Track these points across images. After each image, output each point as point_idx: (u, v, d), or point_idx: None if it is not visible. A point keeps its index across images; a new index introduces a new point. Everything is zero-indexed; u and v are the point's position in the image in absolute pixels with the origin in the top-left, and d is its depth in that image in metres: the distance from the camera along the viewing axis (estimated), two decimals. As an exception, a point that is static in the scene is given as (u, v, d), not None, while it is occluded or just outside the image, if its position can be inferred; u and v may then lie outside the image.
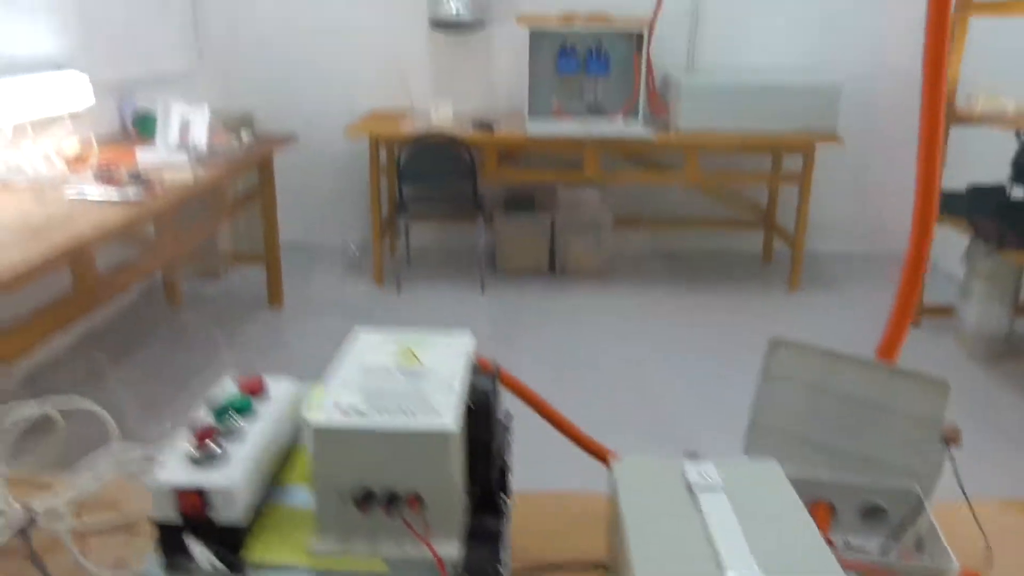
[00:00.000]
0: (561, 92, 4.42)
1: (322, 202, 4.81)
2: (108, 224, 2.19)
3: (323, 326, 3.67)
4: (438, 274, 4.45)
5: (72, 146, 2.93)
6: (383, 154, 4.26)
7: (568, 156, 4.36)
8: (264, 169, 3.65)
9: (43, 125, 2.92)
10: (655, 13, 4.34)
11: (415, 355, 0.70)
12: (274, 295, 3.84)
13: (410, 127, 4.08)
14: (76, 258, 2.06)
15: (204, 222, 3.34)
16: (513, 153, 4.31)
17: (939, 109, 0.96)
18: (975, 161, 3.47)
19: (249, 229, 4.46)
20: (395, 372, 0.67)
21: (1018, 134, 2.93)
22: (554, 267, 4.47)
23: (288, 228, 3.95)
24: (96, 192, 2.48)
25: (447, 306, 4.03)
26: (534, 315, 3.96)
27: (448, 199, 4.16)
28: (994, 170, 3.24)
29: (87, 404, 0.87)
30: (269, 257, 3.81)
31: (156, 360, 3.27)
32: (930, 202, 1.00)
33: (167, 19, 4.13)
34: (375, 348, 0.71)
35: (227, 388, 0.71)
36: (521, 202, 4.57)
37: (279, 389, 0.73)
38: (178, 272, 3.82)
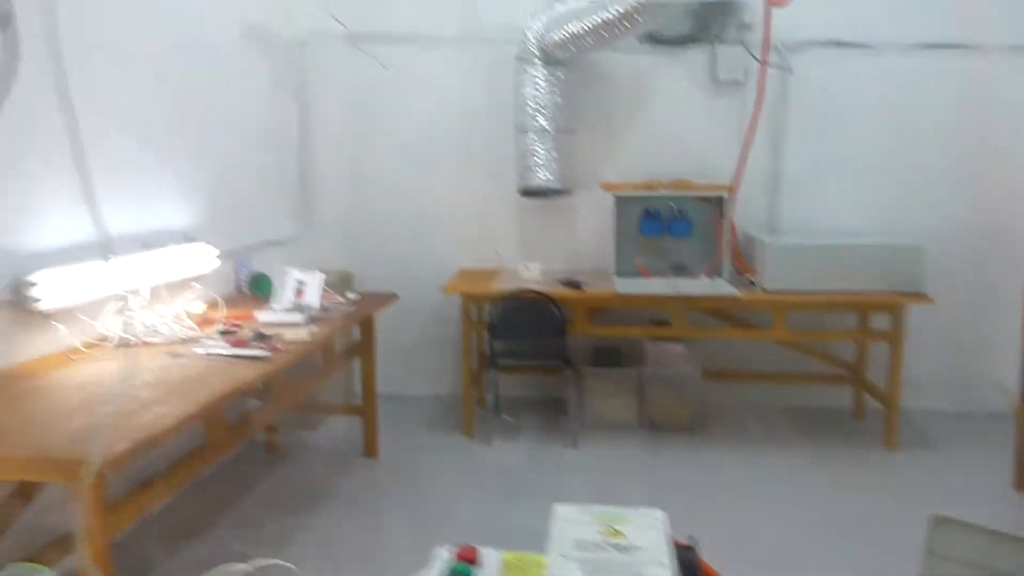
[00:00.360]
0: (645, 252, 4.59)
1: (413, 355, 4.96)
2: (240, 380, 2.34)
3: (420, 480, 3.74)
4: (528, 426, 4.48)
5: (199, 307, 3.17)
6: (473, 310, 4.42)
7: (655, 313, 4.45)
8: (366, 325, 3.83)
9: (174, 288, 3.18)
10: (736, 179, 4.54)
11: (617, 530, 0.75)
12: (370, 447, 3.92)
13: (501, 285, 4.26)
14: (210, 412, 2.19)
15: (315, 375, 3.50)
16: (600, 310, 4.40)
17: None
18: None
19: (344, 381, 4.64)
20: (607, 547, 0.72)
21: None
22: (643, 421, 4.46)
23: (380, 379, 4.07)
24: (225, 350, 2.66)
25: (540, 460, 4.03)
26: (627, 473, 3.91)
27: (537, 354, 4.26)
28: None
29: (286, 565, 0.94)
30: (367, 409, 3.92)
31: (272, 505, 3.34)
32: None
33: (280, 192, 4.51)
34: (578, 523, 0.77)
35: (443, 556, 0.77)
36: (609, 356, 4.64)
37: (489, 557, 0.78)
38: (280, 424, 3.96)
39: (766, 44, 4.32)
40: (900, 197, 4.68)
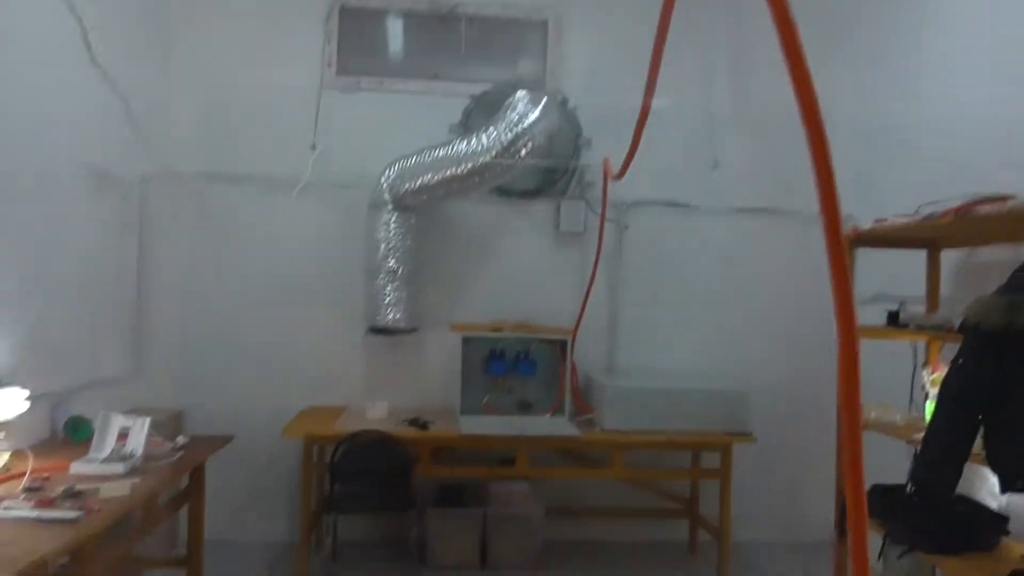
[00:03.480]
0: (491, 391, 4.68)
1: (248, 498, 4.73)
2: (41, 551, 2.13)
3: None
4: (367, 570, 4.32)
5: (2, 460, 2.89)
6: (315, 451, 4.29)
7: (499, 452, 4.47)
8: (196, 472, 3.62)
9: (-26, 437, 2.89)
10: (576, 324, 4.75)
11: None
12: (192, 607, 3.62)
13: (344, 425, 4.18)
14: (1, 590, 1.97)
15: (134, 532, 3.23)
16: (447, 449, 4.40)
17: (857, 431, 1.16)
18: (873, 461, 3.74)
19: (168, 529, 4.30)
20: None
21: (913, 454, 3.23)
22: (486, 560, 4.41)
23: (210, 524, 3.83)
24: (28, 512, 2.43)
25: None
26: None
27: (379, 496, 4.13)
28: (894, 470, 3.49)
29: None
30: (192, 562, 3.64)
31: None
32: (862, 520, 1.15)
33: (107, 329, 4.26)
34: None
35: None
36: (453, 495, 4.59)
37: None
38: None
39: (604, 201, 4.60)
40: (728, 342, 5.05)
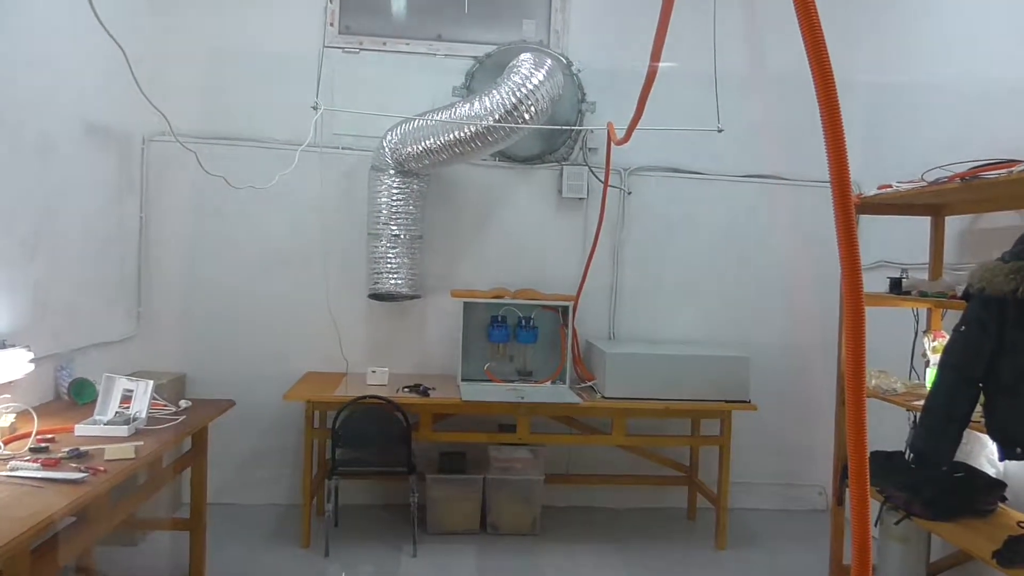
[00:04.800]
0: (492, 358, 4.71)
1: (251, 462, 4.79)
2: (48, 510, 2.16)
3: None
4: (367, 535, 4.37)
5: (7, 420, 2.92)
6: (316, 416, 4.33)
7: (500, 418, 4.53)
8: (199, 435, 3.66)
9: (-21, 397, 2.92)
10: (578, 291, 4.80)
11: None
12: (196, 567, 3.68)
13: (346, 391, 4.22)
14: (10, 552, 2.00)
15: (139, 494, 3.28)
16: (447, 415, 4.44)
17: (861, 397, 1.18)
18: (873, 428, 3.79)
19: (171, 491, 4.37)
20: None
21: (912, 421, 3.26)
22: (485, 526, 4.47)
23: (213, 488, 3.89)
24: (34, 472, 2.46)
25: (378, 571, 3.94)
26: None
27: (381, 461, 4.19)
28: (893, 437, 3.54)
29: None
30: (195, 524, 3.69)
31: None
32: (863, 486, 1.17)
33: (116, 291, 4.30)
34: None
35: None
36: (454, 461, 4.64)
37: None
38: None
39: (608, 166, 4.65)
40: (729, 311, 5.09)
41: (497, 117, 4.20)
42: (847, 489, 1.29)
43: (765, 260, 5.07)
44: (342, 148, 4.78)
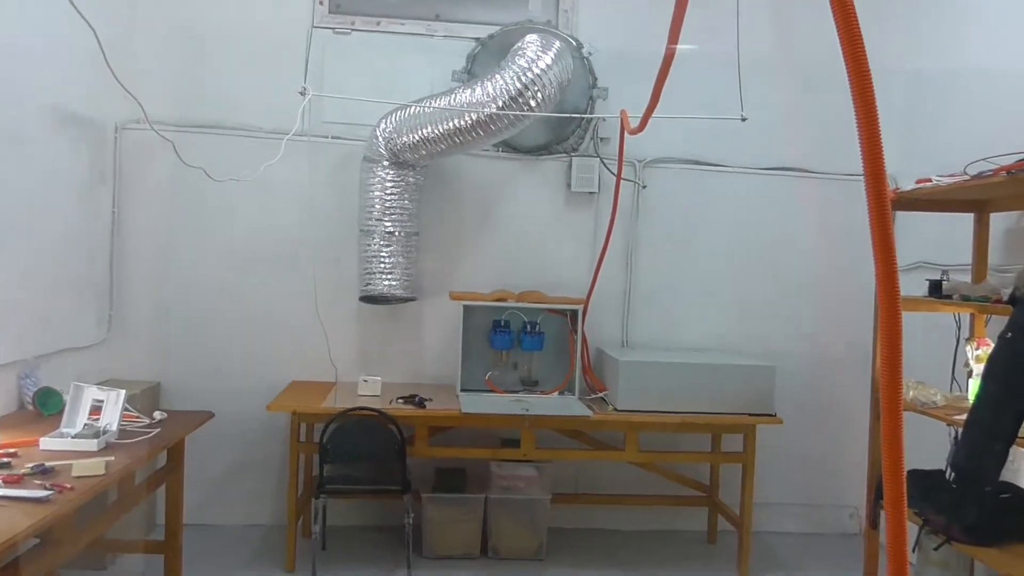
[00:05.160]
0: (494, 366, 4.71)
1: (231, 479, 4.79)
2: (10, 532, 2.16)
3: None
4: (358, 559, 4.37)
5: (-33, 432, 2.93)
6: (302, 429, 4.34)
7: (503, 432, 4.53)
8: (175, 450, 3.66)
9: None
10: (588, 294, 4.78)
11: None
12: (171, 593, 3.69)
13: (334, 402, 4.21)
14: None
15: (109, 513, 3.28)
16: (444, 429, 4.44)
17: (898, 411, 1.19)
18: (911, 444, 3.78)
19: (145, 510, 4.36)
20: None
21: (953, 437, 3.25)
22: (486, 550, 4.47)
23: (190, 507, 3.90)
24: (-4, 491, 2.47)
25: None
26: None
27: (373, 479, 4.20)
28: (933, 454, 3.52)
29: None
30: (170, 546, 3.70)
31: None
32: (900, 508, 1.17)
33: (79, 291, 4.28)
34: None
35: None
36: (452, 479, 4.63)
37: None
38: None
39: (621, 158, 4.63)
40: (752, 315, 5.08)
41: (500, 104, 4.20)
42: (882, 511, 1.29)
43: (792, 260, 5.06)
44: (332, 137, 4.77)
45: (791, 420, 4.48)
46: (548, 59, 4.27)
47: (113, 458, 2.87)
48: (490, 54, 4.73)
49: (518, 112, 4.21)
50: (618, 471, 4.91)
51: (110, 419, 3.17)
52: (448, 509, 4.46)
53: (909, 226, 4.16)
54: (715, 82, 4.14)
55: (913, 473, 3.56)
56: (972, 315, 3.74)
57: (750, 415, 4.35)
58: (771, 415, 4.35)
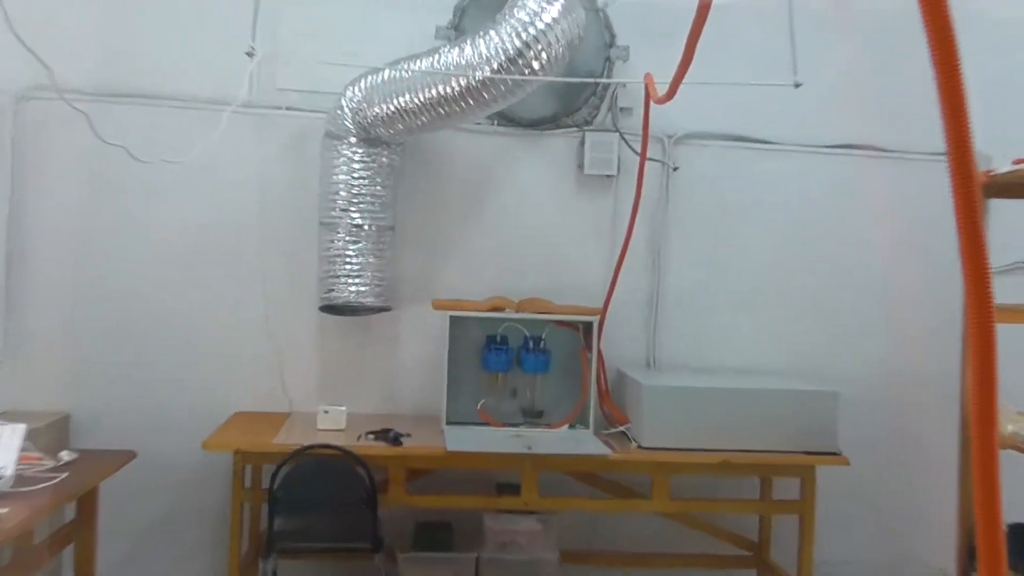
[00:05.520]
0: (489, 393, 4.68)
1: (153, 534, 4.75)
2: None
3: None
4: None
5: None
6: (248, 472, 4.32)
7: (500, 475, 4.51)
8: (87, 499, 3.64)
9: None
10: (606, 302, 4.76)
11: None
12: None
13: (288, 438, 4.20)
14: None
15: (2, 578, 3.27)
16: (427, 472, 4.43)
17: (992, 451, 1.18)
18: (1010, 492, 3.75)
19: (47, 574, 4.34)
20: None
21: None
22: (479, 626, 4.46)
23: (106, 569, 3.88)
24: None
25: None
26: None
27: (335, 534, 4.18)
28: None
29: None
30: (80, 621, 3.68)
31: None
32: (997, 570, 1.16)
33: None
34: None
35: None
36: (436, 534, 4.62)
37: None
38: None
39: (646, 133, 4.58)
40: (809, 328, 5.09)
41: (496, 66, 4.18)
42: (975, 573, 1.28)
43: (857, 260, 5.08)
44: (287, 109, 4.78)
45: (859, 460, 4.43)
46: (555, 11, 4.24)
47: (7, 510, 2.86)
48: (482, 6, 4.73)
49: (518, 76, 4.18)
50: (643, 524, 4.90)
51: (4, 461, 3.14)
52: (431, 571, 4.43)
53: (1006, 217, 4.11)
54: (761, 39, 4.17)
55: (1014, 528, 3.54)
56: (1085, 328, 3.72)
57: (808, 453, 4.33)
58: (835, 453, 4.33)
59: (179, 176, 4.58)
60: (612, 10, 4.87)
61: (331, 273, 4.55)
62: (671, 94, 3.72)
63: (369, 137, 4.51)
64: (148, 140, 4.42)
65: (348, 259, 4.53)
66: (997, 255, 1.23)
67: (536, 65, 4.21)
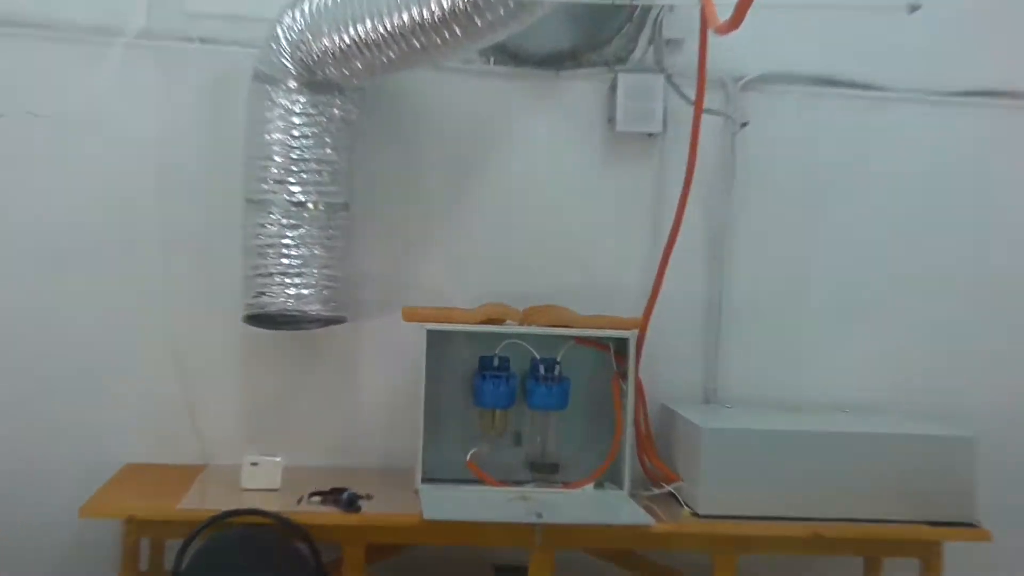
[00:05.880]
0: (483, 438, 4.51)
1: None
2: None
3: None
4: None
5: None
6: (144, 548, 4.17)
7: (497, 554, 4.46)
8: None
9: None
10: (647, 311, 4.61)
11: None
12: None
13: (201, 501, 4.04)
14: None
15: None
16: (394, 549, 4.29)
17: None
18: None
19: None
20: None
21: None
22: None
23: None
24: None
25: None
26: None
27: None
28: None
29: None
30: None
31: None
32: None
33: None
34: None
35: None
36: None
37: None
38: None
39: (702, 76, 4.47)
40: (931, 348, 5.01)
41: (488, -18, 4.10)
42: None
43: (1001, 253, 5.04)
44: (200, 41, 4.68)
45: (1004, 531, 4.26)
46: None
47: None
48: None
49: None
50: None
51: None
52: None
53: None
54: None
55: None
56: None
57: (933, 524, 4.17)
58: (971, 524, 4.16)
59: (50, 135, 4.55)
60: (651, -99, 4.82)
61: (261, 270, 4.37)
62: (738, 20, 3.47)
63: (315, 80, 4.35)
64: (6, 85, 4.44)
65: (285, 251, 4.35)
66: None
67: (543, -21, 4.12)
